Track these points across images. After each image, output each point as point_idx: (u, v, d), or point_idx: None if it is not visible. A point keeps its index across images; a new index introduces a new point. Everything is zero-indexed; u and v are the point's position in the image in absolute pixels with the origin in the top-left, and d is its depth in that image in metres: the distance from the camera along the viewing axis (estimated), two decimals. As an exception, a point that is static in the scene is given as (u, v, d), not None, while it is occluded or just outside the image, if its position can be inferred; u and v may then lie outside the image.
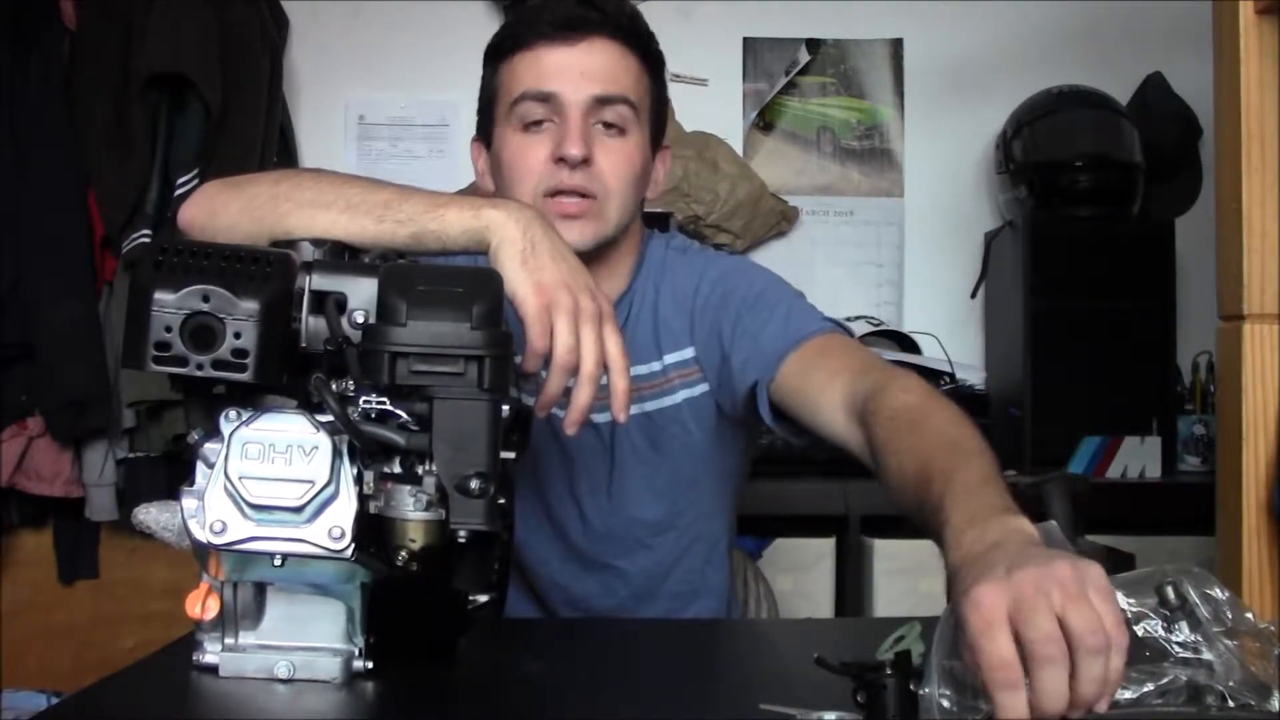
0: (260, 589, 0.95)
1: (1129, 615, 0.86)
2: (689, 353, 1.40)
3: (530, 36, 1.34)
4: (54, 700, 2.44)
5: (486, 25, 2.98)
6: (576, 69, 1.32)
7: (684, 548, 1.44)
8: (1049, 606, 0.74)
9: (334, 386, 0.90)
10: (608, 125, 1.34)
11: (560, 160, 1.31)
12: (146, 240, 2.52)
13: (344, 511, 0.87)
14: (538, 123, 1.33)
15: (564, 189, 1.31)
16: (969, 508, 0.89)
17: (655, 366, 1.40)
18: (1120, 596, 0.86)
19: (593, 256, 1.32)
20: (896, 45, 3.07)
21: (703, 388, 1.40)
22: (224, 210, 1.18)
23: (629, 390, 1.09)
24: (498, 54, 1.38)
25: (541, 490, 1.41)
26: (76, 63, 2.62)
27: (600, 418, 1.37)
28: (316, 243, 1.03)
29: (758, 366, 1.31)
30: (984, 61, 3.01)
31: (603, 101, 1.33)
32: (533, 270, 1.07)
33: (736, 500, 1.54)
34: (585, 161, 1.31)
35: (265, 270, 0.91)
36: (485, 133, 1.41)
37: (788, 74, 3.04)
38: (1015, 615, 0.74)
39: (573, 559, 1.42)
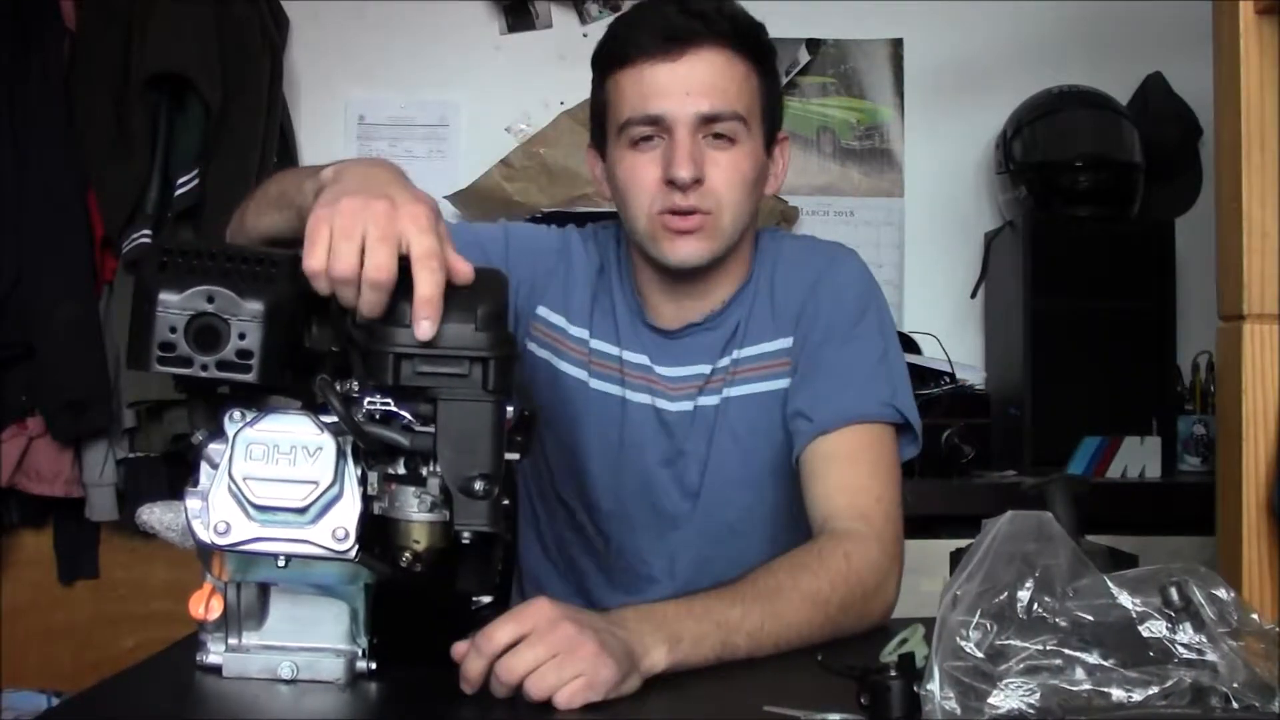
0: (264, 589, 0.95)
1: (1134, 614, 0.86)
2: (788, 342, 1.40)
3: (632, 52, 1.32)
4: (54, 700, 2.44)
5: (487, 25, 2.98)
6: (681, 87, 1.30)
7: None
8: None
9: (338, 387, 0.90)
10: (717, 136, 1.32)
11: (671, 182, 1.30)
12: (146, 240, 2.51)
13: (348, 512, 0.87)
14: (648, 138, 1.32)
15: (677, 209, 1.31)
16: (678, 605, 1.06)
17: (783, 344, 1.40)
18: (1125, 595, 0.86)
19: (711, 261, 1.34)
20: (896, 45, 3.06)
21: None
22: (228, 228, 1.25)
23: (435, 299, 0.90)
24: (603, 64, 1.37)
25: (561, 542, 1.47)
26: (76, 63, 2.61)
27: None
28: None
29: (804, 430, 1.33)
30: (984, 61, 3.01)
31: (710, 119, 1.31)
32: (325, 202, 0.95)
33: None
34: (696, 181, 1.30)
35: (270, 271, 0.91)
36: (598, 142, 1.41)
37: (788, 74, 3.04)
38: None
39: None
